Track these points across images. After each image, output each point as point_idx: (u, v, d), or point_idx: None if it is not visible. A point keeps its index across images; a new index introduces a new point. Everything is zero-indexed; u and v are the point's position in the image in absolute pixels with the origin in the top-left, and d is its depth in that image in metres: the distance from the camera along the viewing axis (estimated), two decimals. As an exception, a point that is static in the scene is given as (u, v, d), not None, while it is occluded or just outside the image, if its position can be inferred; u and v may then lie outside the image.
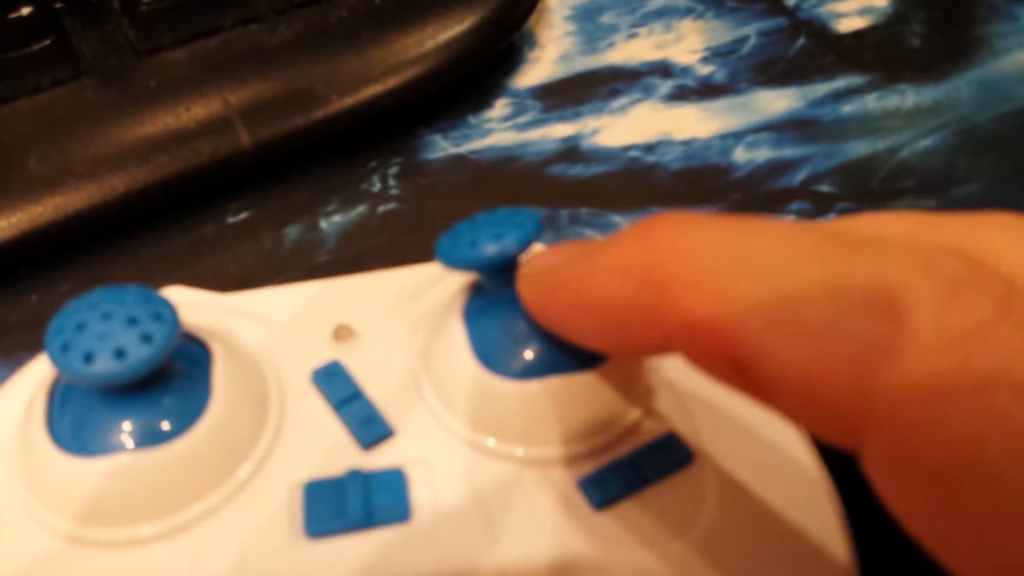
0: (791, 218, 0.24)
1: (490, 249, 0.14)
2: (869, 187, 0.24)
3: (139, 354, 0.14)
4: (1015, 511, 0.09)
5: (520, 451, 0.15)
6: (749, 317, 0.10)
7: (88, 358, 0.14)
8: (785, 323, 0.10)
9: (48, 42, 0.22)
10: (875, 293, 0.10)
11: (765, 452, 0.16)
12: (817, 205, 0.24)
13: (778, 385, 0.10)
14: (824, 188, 0.24)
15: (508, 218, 0.15)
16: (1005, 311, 0.09)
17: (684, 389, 0.16)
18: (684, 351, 0.11)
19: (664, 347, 0.12)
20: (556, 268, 0.14)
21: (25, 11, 0.23)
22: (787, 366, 0.10)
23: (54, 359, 0.14)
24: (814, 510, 0.15)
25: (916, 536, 0.10)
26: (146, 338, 0.14)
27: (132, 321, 0.14)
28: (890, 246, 0.10)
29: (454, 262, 0.15)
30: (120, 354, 0.14)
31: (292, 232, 0.23)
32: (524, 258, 0.15)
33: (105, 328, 0.14)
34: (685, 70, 0.27)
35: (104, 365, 0.14)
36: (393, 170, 0.25)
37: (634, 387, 0.16)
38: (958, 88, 0.27)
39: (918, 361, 0.09)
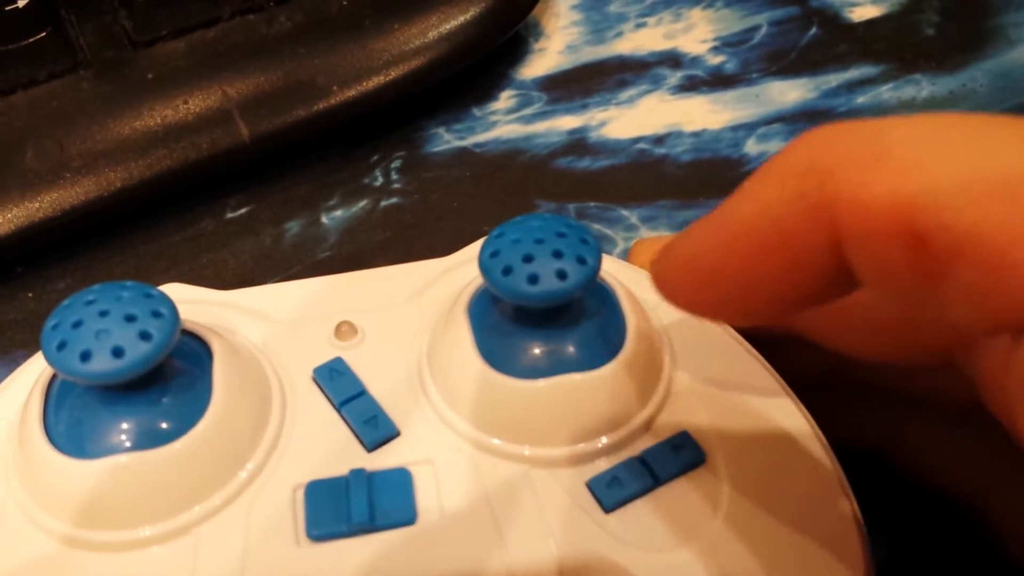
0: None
1: (552, 286, 0.14)
2: (883, 179, 0.24)
3: (137, 352, 0.14)
4: None
5: (527, 451, 0.15)
6: (932, 180, 0.10)
7: (85, 357, 0.13)
8: (979, 182, 0.10)
9: (44, 34, 0.22)
10: None
11: (779, 452, 0.15)
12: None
13: (961, 258, 0.10)
14: (837, 180, 0.24)
15: (567, 243, 0.14)
16: None
17: (697, 388, 0.16)
18: (854, 240, 0.11)
19: (830, 249, 0.11)
20: (693, 227, 0.13)
21: (21, 3, 0.22)
22: (977, 231, 0.09)
23: (50, 358, 0.14)
24: (828, 511, 0.15)
25: None
26: (144, 336, 0.14)
27: (130, 318, 0.14)
28: None
29: (510, 295, 0.14)
30: (118, 352, 0.14)
31: (293, 227, 0.23)
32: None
33: (102, 326, 0.14)
34: (695, 60, 0.27)
35: (101, 364, 0.13)
36: (396, 164, 0.24)
37: (645, 386, 0.15)
38: (974, 78, 0.26)
39: None
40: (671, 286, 0.13)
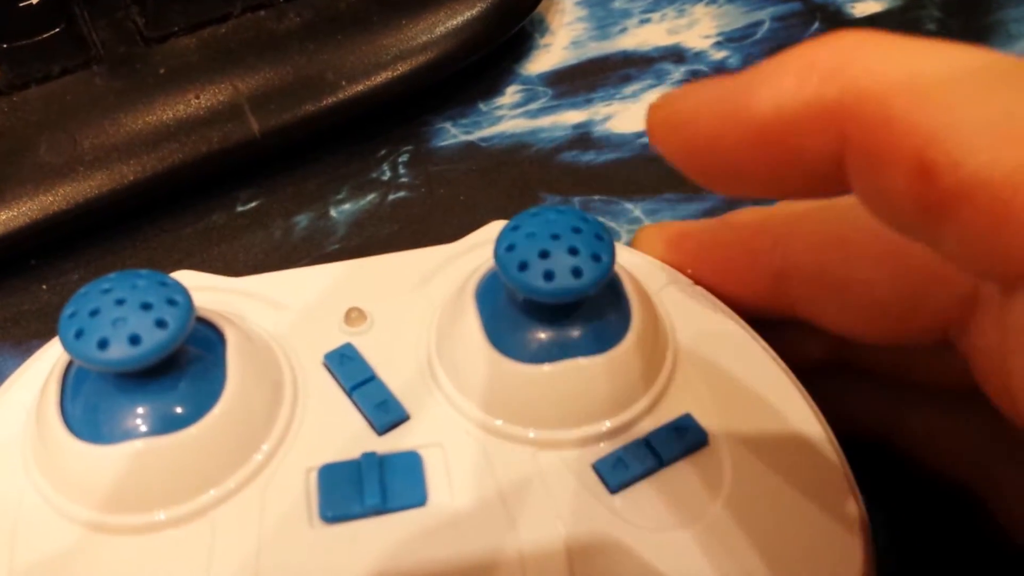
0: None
1: (567, 283, 0.14)
2: (885, 172, 0.24)
3: (154, 340, 0.14)
4: None
5: (534, 434, 0.15)
6: (956, 115, 0.09)
7: (103, 344, 0.14)
8: (1001, 131, 0.09)
9: (58, 30, 0.22)
10: None
11: (781, 435, 0.15)
12: (832, 191, 0.24)
13: (967, 201, 0.09)
14: (839, 173, 0.24)
15: (583, 239, 0.14)
16: None
17: (700, 372, 0.16)
18: (862, 155, 0.10)
19: (833, 157, 0.11)
20: (706, 87, 0.12)
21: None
22: (989, 177, 0.09)
23: (68, 346, 0.14)
24: (829, 494, 0.15)
25: None
26: (160, 323, 0.14)
27: (146, 306, 0.14)
28: None
29: (526, 291, 0.14)
30: (135, 340, 0.14)
31: (302, 220, 0.23)
32: None
33: (119, 314, 0.14)
34: (698, 55, 0.27)
35: (119, 351, 0.14)
36: (403, 158, 0.25)
37: (649, 370, 0.16)
38: (974, 72, 0.27)
39: None
40: (663, 139, 0.13)
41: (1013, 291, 0.10)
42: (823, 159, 0.11)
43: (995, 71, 0.10)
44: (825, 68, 0.11)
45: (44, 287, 0.22)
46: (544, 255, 0.14)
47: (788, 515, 0.14)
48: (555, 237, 0.14)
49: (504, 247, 0.14)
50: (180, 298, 0.14)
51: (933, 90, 0.10)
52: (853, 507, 0.15)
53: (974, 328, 0.13)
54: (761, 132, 0.11)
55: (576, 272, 0.14)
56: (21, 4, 0.23)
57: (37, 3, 0.23)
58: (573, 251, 0.14)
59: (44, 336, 0.21)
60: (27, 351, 0.21)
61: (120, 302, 0.14)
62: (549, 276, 0.14)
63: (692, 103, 0.12)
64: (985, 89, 0.10)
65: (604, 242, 0.14)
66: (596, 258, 0.14)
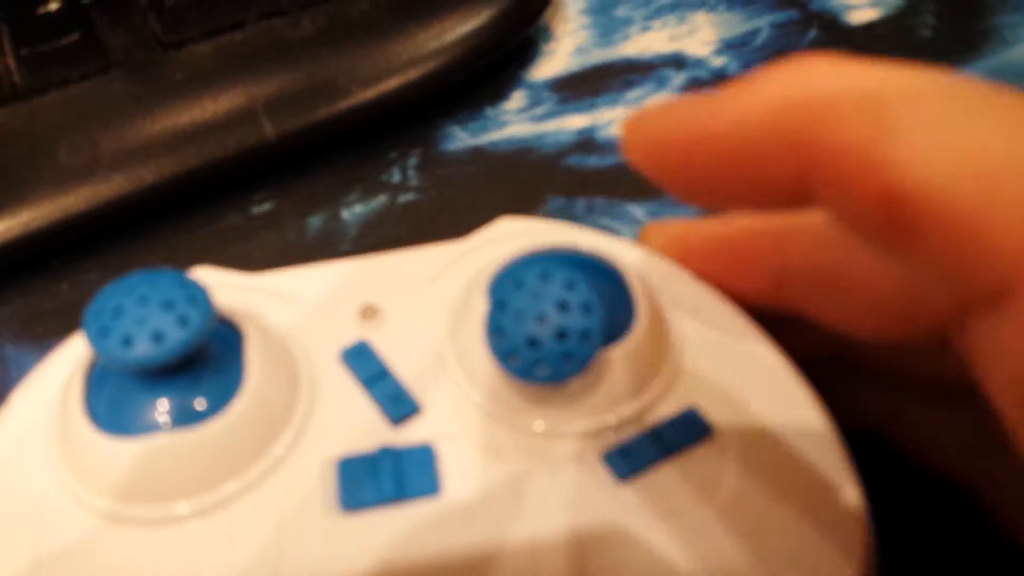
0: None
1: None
2: (881, 176, 0.25)
3: (177, 337, 0.14)
4: None
5: (544, 426, 0.15)
6: (917, 144, 0.10)
7: (127, 342, 0.14)
8: (965, 158, 0.10)
9: (77, 36, 0.23)
10: None
11: (784, 428, 0.16)
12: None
13: (935, 227, 0.10)
14: (837, 177, 0.25)
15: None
16: None
17: (705, 366, 0.16)
18: (827, 185, 0.11)
19: (798, 187, 0.11)
20: (675, 108, 0.13)
21: (53, 6, 0.23)
22: (955, 205, 0.09)
23: (93, 343, 0.14)
24: (832, 484, 0.15)
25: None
26: (183, 321, 0.14)
27: (168, 305, 0.14)
28: None
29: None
30: (158, 337, 0.14)
31: (315, 222, 0.24)
32: None
33: (142, 312, 0.14)
34: (699, 62, 0.28)
35: (143, 348, 0.14)
36: (413, 161, 0.25)
37: (655, 364, 0.16)
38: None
39: None
40: (637, 156, 0.13)
41: (977, 312, 0.10)
42: (789, 182, 0.11)
43: (952, 93, 0.10)
44: (787, 97, 0.11)
45: (64, 286, 0.23)
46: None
47: (791, 505, 0.15)
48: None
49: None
50: (201, 296, 0.15)
51: (894, 117, 0.10)
52: (856, 500, 0.15)
53: (971, 328, 0.13)
54: (727, 155, 0.12)
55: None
56: (40, 11, 0.23)
57: (56, 10, 0.23)
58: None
59: (64, 334, 0.22)
60: (47, 349, 0.21)
61: (143, 300, 0.14)
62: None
63: (663, 123, 0.13)
64: (942, 114, 0.10)
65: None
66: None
